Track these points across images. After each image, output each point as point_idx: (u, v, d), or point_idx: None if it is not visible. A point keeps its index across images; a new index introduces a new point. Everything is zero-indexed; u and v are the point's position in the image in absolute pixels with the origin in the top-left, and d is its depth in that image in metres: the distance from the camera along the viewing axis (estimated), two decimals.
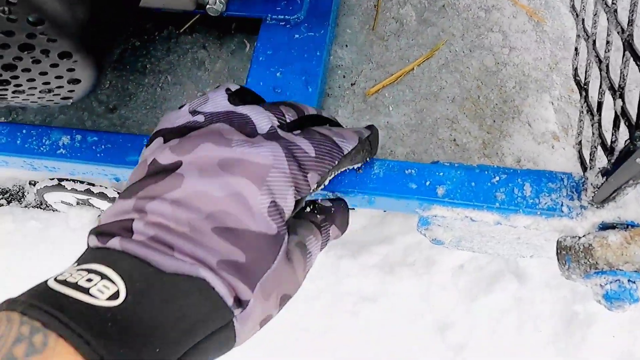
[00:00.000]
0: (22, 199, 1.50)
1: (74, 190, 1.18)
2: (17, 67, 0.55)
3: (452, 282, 1.35)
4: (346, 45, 0.95)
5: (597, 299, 0.68)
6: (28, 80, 0.57)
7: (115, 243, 0.38)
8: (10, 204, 1.48)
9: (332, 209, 0.60)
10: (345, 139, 0.57)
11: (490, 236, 0.89)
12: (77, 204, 1.34)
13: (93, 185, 1.14)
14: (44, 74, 0.57)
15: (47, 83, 0.59)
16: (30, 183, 1.46)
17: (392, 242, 1.38)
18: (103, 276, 0.34)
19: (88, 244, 0.41)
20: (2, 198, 1.51)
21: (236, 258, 0.39)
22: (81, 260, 0.38)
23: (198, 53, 0.96)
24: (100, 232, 0.40)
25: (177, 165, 0.43)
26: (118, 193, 1.18)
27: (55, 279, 0.34)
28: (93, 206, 1.32)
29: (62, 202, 1.33)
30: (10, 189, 1.52)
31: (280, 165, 0.45)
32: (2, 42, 0.51)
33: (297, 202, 0.48)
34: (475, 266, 1.36)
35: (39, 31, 0.51)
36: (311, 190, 0.49)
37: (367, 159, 0.70)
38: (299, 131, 0.53)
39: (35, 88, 0.59)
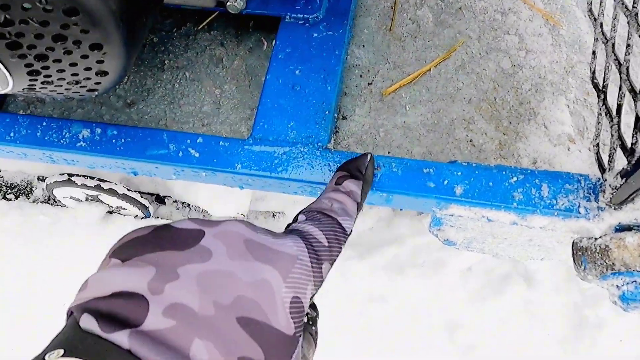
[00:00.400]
0: (30, 194, 1.50)
1: (84, 186, 1.18)
2: (49, 58, 0.55)
3: (460, 284, 1.35)
4: (363, 45, 0.95)
5: (614, 299, 0.69)
6: (58, 71, 0.58)
7: (122, 339, 0.30)
8: (19, 198, 1.49)
9: (317, 317, 0.59)
10: (347, 213, 0.58)
11: (503, 238, 0.90)
12: (86, 199, 1.34)
13: (103, 181, 1.15)
14: (73, 65, 0.58)
15: (76, 74, 0.60)
16: (38, 178, 1.47)
17: (401, 244, 1.38)
18: None
19: (77, 322, 0.32)
20: (10, 193, 1.51)
21: (256, 356, 0.35)
22: (70, 348, 0.29)
23: (216, 50, 0.97)
24: (100, 312, 0.32)
25: (199, 235, 0.39)
26: (127, 189, 1.18)
27: None
28: (102, 202, 1.32)
29: (72, 197, 1.33)
30: (18, 184, 1.52)
31: (303, 258, 0.44)
32: (36, 33, 0.52)
33: (310, 299, 0.47)
34: (483, 268, 1.36)
35: (72, 22, 0.52)
36: (322, 282, 0.48)
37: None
38: (304, 217, 0.54)
39: (64, 79, 0.60)
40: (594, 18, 0.80)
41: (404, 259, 1.40)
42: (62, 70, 0.58)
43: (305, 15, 0.89)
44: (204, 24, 0.99)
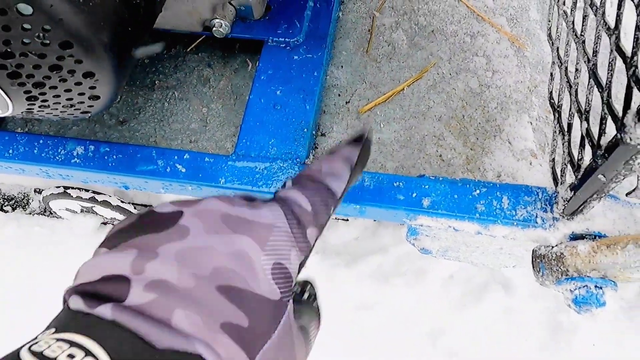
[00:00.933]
0: (26, 206, 1.55)
1: (79, 198, 1.23)
2: (46, 85, 0.61)
3: (443, 292, 1.40)
4: (342, 66, 1.02)
5: (568, 303, 0.74)
6: (54, 97, 0.64)
7: (105, 311, 0.32)
8: (15, 210, 1.54)
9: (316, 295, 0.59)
10: (337, 176, 0.57)
11: (475, 246, 0.95)
12: (82, 211, 1.39)
13: (98, 193, 1.20)
14: (68, 91, 0.64)
15: (70, 99, 0.65)
16: (35, 190, 1.52)
17: (385, 253, 1.44)
18: (87, 352, 0.30)
19: (68, 304, 0.34)
20: (7, 205, 1.56)
21: (239, 322, 0.37)
22: (60, 326, 0.32)
23: (204, 71, 1.03)
24: (86, 292, 0.34)
25: (178, 215, 0.41)
26: (121, 201, 1.23)
27: (30, 349, 0.29)
28: (97, 214, 1.37)
29: (67, 209, 1.38)
30: (15, 196, 1.58)
31: (281, 225, 0.44)
32: (34, 64, 0.58)
33: (300, 265, 0.47)
34: (464, 276, 1.41)
35: (67, 54, 0.58)
36: (311, 248, 0.49)
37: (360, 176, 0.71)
38: (290, 183, 0.54)
39: (59, 103, 0.66)
40: (552, 42, 0.87)
41: (389, 268, 1.46)
42: (58, 96, 0.64)
43: (287, 39, 0.95)
44: (192, 46, 1.05)
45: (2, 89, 0.59)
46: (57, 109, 0.68)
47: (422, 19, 1.05)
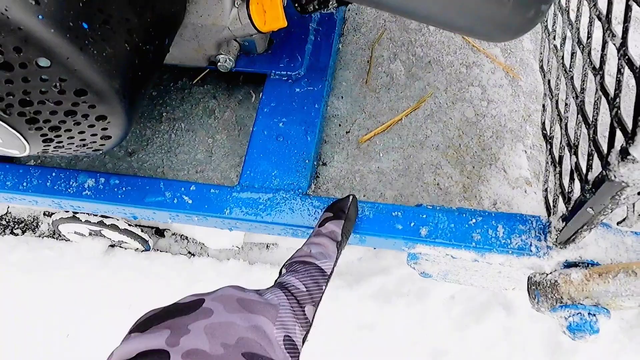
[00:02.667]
0: (36, 229, 1.59)
1: (87, 222, 1.27)
2: (61, 129, 0.65)
3: (444, 312, 1.42)
4: (342, 97, 1.05)
5: (562, 330, 0.76)
6: (68, 138, 0.68)
7: None
8: (25, 233, 1.58)
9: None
10: (325, 254, 0.68)
11: (474, 270, 0.98)
12: (90, 234, 1.42)
13: (106, 217, 1.23)
14: (81, 132, 0.67)
15: (84, 139, 0.69)
16: (44, 214, 1.56)
17: (387, 274, 1.46)
18: None
19: None
20: (17, 228, 1.60)
21: None
22: None
23: (209, 102, 1.07)
24: None
25: (200, 302, 0.48)
26: (128, 224, 1.27)
27: None
28: (105, 237, 1.40)
29: (76, 232, 1.41)
30: (25, 219, 1.62)
31: (285, 304, 0.54)
32: (51, 110, 0.61)
33: (303, 340, 0.56)
34: (465, 297, 1.43)
35: (82, 100, 0.62)
36: (310, 324, 0.58)
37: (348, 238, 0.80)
38: (285, 270, 0.64)
39: (73, 144, 0.70)
40: (543, 74, 0.90)
41: (391, 288, 1.47)
42: (72, 137, 0.68)
43: (288, 72, 0.99)
44: (197, 78, 1.09)
45: (20, 133, 0.63)
46: (70, 148, 0.71)
47: (419, 50, 1.08)
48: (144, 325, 0.44)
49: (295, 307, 0.56)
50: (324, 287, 0.64)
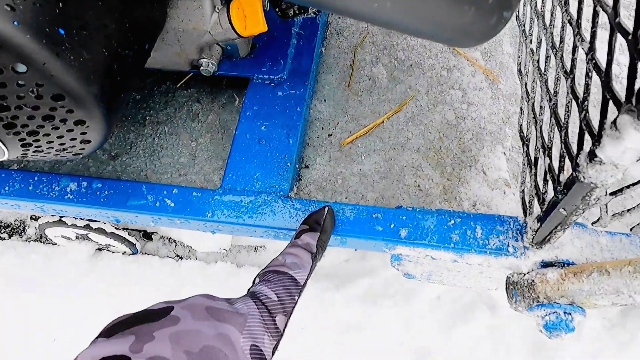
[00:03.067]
0: (23, 233, 1.59)
1: (74, 226, 1.27)
2: (39, 133, 0.65)
3: (430, 312, 1.43)
4: (325, 100, 1.06)
5: (539, 329, 0.78)
6: (47, 142, 0.68)
7: None
8: (12, 237, 1.57)
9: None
10: (299, 264, 0.69)
11: (456, 271, 0.99)
12: (77, 238, 1.42)
13: (92, 221, 1.23)
14: (60, 137, 0.68)
15: (63, 144, 0.70)
16: (31, 218, 1.55)
17: (374, 275, 1.47)
18: None
19: None
20: (4, 232, 1.59)
21: None
22: None
23: (193, 106, 1.07)
24: None
25: (169, 309, 0.48)
26: (115, 228, 1.27)
27: None
28: (91, 240, 1.40)
29: (62, 236, 1.41)
30: (12, 223, 1.61)
31: (254, 314, 0.55)
32: (28, 115, 0.62)
33: (273, 350, 0.56)
34: (451, 297, 1.44)
35: (59, 105, 0.62)
36: (281, 334, 0.58)
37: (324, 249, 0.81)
38: (258, 280, 0.65)
39: (52, 148, 0.70)
40: (521, 77, 0.91)
41: (377, 290, 1.48)
42: (51, 142, 0.68)
43: (271, 76, 1.00)
44: (181, 82, 1.10)
45: None
46: (50, 152, 0.72)
47: (401, 54, 1.10)
48: (110, 330, 0.45)
49: (266, 317, 0.56)
50: (296, 297, 0.64)
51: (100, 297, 1.41)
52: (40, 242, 1.54)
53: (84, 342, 1.34)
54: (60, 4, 0.58)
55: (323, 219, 0.80)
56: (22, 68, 0.57)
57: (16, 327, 1.46)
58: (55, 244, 1.49)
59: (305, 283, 0.68)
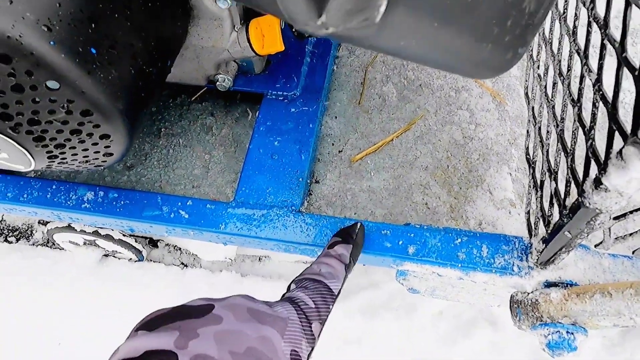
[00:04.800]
0: (30, 237, 1.61)
1: (82, 232, 1.29)
2: (66, 146, 0.68)
3: (432, 327, 1.44)
4: (336, 117, 1.09)
5: (542, 347, 0.80)
6: (72, 155, 0.71)
7: None
8: (19, 241, 1.59)
9: None
10: (334, 274, 0.70)
11: (461, 287, 1.01)
12: (84, 244, 1.44)
13: (101, 227, 1.26)
14: (85, 150, 0.70)
15: (87, 156, 0.72)
16: (39, 222, 1.57)
17: (377, 289, 1.48)
18: None
19: None
20: (11, 236, 1.62)
21: None
22: None
23: (207, 119, 1.10)
24: None
25: (210, 307, 0.48)
26: (123, 234, 1.29)
27: None
28: (99, 246, 1.42)
29: (70, 242, 1.43)
30: (19, 227, 1.63)
31: (294, 319, 0.55)
32: (58, 129, 0.65)
33: (308, 356, 0.57)
34: (453, 313, 1.46)
35: (87, 120, 0.65)
36: (316, 341, 0.59)
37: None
38: (294, 286, 0.66)
39: (76, 160, 0.73)
40: (528, 101, 0.94)
41: (380, 303, 1.50)
42: (76, 154, 0.71)
43: (285, 93, 1.03)
44: (196, 95, 1.13)
45: (27, 150, 0.66)
46: (74, 164, 0.74)
47: (411, 74, 1.13)
48: (152, 323, 0.45)
49: (304, 323, 0.56)
50: (331, 307, 0.65)
51: (106, 303, 1.42)
52: (47, 246, 1.56)
53: (89, 347, 1.36)
54: (93, 25, 0.61)
55: (356, 232, 0.81)
56: (54, 85, 0.60)
57: (21, 330, 1.48)
58: (63, 249, 1.51)
59: (338, 293, 0.69)
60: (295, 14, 0.33)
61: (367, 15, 0.34)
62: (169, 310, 0.47)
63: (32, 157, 0.68)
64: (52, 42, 0.57)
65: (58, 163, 0.72)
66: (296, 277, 0.70)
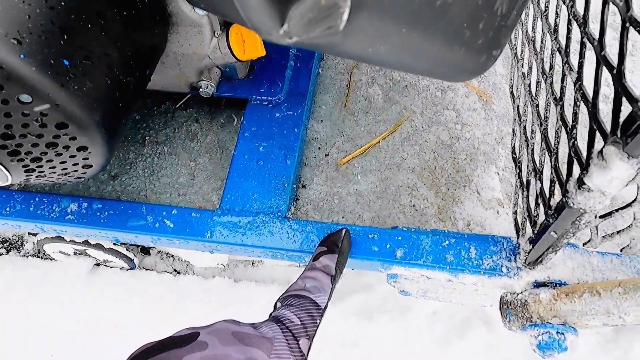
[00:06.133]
0: (20, 248, 1.59)
1: (72, 242, 1.28)
2: (43, 159, 0.67)
3: (426, 328, 1.44)
4: (322, 120, 1.08)
5: (533, 348, 0.79)
6: (50, 168, 0.70)
7: None
8: (10, 252, 1.58)
9: None
10: (319, 288, 0.70)
11: (452, 288, 1.00)
12: (75, 253, 1.43)
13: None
14: (63, 162, 0.69)
15: (65, 169, 0.71)
16: (29, 233, 1.56)
17: (371, 291, 1.48)
18: None
19: None
20: (1, 247, 1.60)
21: None
22: None
23: (192, 126, 1.09)
24: None
25: (196, 335, 0.49)
26: (114, 244, 1.28)
27: None
28: (89, 256, 1.41)
29: (60, 252, 1.42)
30: (10, 238, 1.62)
31: (280, 338, 0.56)
32: (32, 142, 0.63)
33: None
34: (447, 313, 1.45)
35: (63, 133, 0.64)
36: (305, 358, 0.59)
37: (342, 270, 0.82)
38: (280, 304, 0.66)
39: (55, 173, 0.71)
40: (513, 100, 0.94)
41: (374, 306, 1.49)
42: (54, 167, 0.70)
43: (269, 97, 1.02)
44: (180, 103, 1.12)
45: (2, 165, 0.65)
46: (52, 177, 0.73)
47: (396, 75, 1.12)
48: (140, 357, 0.46)
49: (291, 341, 0.57)
50: (318, 321, 0.65)
51: (98, 313, 1.41)
52: (38, 257, 1.55)
53: (82, 358, 1.34)
54: (65, 36, 0.60)
55: (341, 240, 0.81)
56: (27, 98, 0.59)
57: (14, 342, 1.46)
58: (54, 260, 1.50)
59: (325, 306, 0.69)
60: (257, 23, 0.33)
61: (330, 24, 0.33)
62: (156, 343, 0.48)
63: (8, 172, 0.67)
64: (22, 55, 0.56)
65: (36, 176, 0.71)
66: (281, 295, 0.69)
